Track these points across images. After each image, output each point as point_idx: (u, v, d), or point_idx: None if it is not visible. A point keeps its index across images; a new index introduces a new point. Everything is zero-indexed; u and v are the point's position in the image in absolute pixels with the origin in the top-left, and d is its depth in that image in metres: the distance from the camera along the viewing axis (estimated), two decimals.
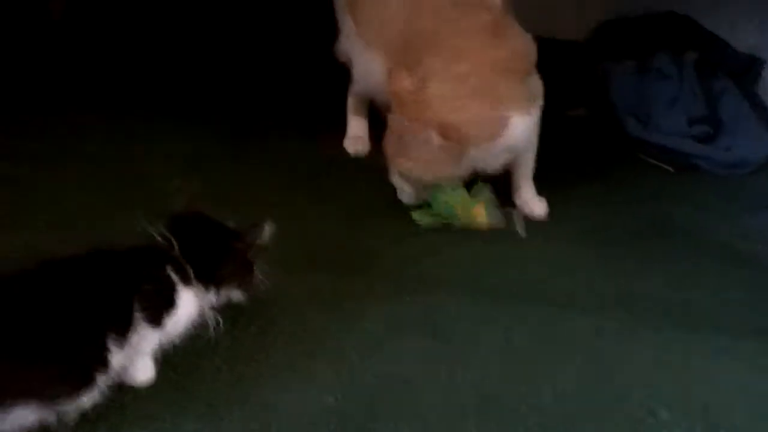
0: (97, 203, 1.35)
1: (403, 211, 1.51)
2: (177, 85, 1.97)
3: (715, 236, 1.66)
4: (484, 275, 1.34)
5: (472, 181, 1.48)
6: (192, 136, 1.71)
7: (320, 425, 0.94)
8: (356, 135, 1.78)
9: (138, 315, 0.85)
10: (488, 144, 1.39)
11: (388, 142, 1.44)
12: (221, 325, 0.94)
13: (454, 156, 1.37)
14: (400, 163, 1.42)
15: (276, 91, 2.06)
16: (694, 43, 2.43)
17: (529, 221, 1.56)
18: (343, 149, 1.78)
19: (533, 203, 1.60)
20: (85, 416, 0.83)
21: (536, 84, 1.47)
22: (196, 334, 0.93)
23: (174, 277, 0.90)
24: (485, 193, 1.46)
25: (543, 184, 1.62)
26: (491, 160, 1.44)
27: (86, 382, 0.80)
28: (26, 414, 0.77)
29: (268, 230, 0.98)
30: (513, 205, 1.58)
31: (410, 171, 1.42)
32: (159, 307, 0.88)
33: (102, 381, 0.82)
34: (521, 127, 1.42)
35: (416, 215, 1.46)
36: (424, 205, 1.47)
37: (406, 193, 1.49)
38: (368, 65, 1.61)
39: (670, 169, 2.03)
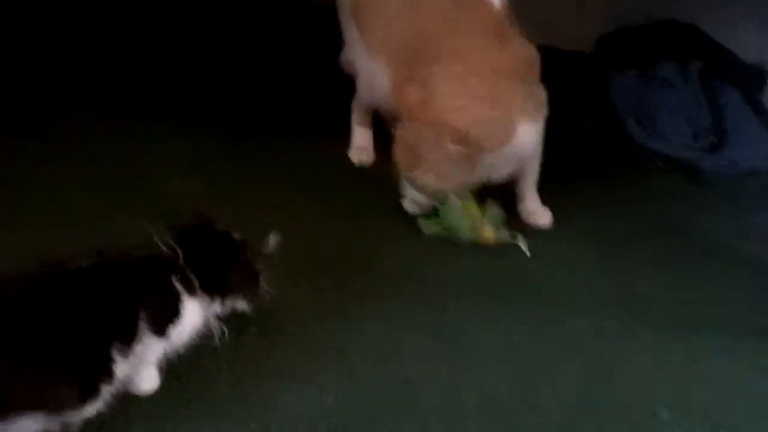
0: (97, 203, 1.36)
1: (403, 212, 1.52)
2: (177, 86, 1.98)
3: (715, 236, 1.68)
4: (485, 276, 1.36)
5: (481, 198, 1.48)
6: (192, 137, 1.71)
7: (320, 425, 0.95)
8: (361, 145, 1.78)
9: (143, 325, 0.86)
10: (497, 150, 1.40)
11: (399, 154, 1.44)
12: (226, 335, 0.95)
13: (470, 163, 1.38)
14: (415, 174, 1.42)
15: (276, 92, 2.06)
16: (699, 51, 2.44)
17: (536, 232, 1.57)
18: (344, 151, 1.78)
19: (538, 213, 1.61)
20: (89, 423, 0.84)
21: (541, 92, 1.48)
22: (202, 345, 0.94)
23: (179, 287, 0.90)
24: (494, 210, 1.46)
25: (545, 186, 1.63)
26: (499, 168, 1.45)
27: (91, 392, 0.81)
28: (31, 424, 0.78)
29: (273, 240, 0.99)
30: (516, 213, 1.59)
31: (426, 181, 1.42)
32: (164, 317, 0.88)
33: (107, 391, 0.83)
34: (528, 134, 1.44)
35: (423, 224, 1.46)
36: (431, 215, 1.47)
37: (412, 203, 1.50)
38: (373, 75, 1.63)
39: (677, 178, 2.05)
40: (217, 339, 0.94)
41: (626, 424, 1.05)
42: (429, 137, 1.37)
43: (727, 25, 2.51)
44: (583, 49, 2.54)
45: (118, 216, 1.32)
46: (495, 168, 1.44)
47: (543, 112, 1.48)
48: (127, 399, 0.89)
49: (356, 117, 1.79)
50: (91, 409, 0.82)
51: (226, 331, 0.95)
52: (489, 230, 1.42)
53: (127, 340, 0.84)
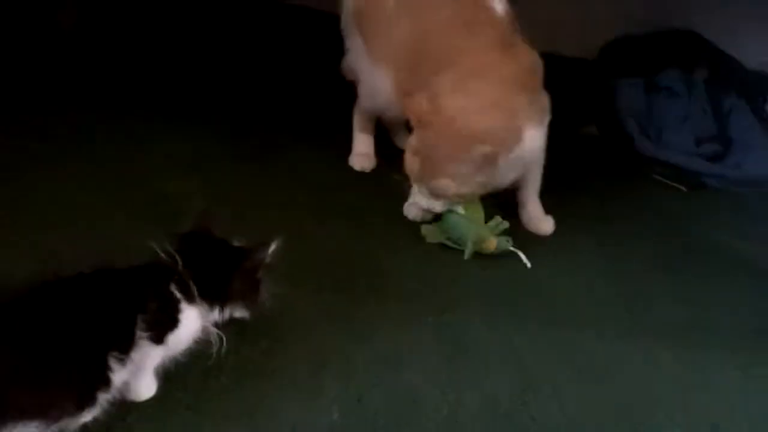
0: (97, 203, 1.37)
1: (404, 214, 1.53)
2: (178, 86, 1.99)
3: (726, 250, 1.70)
4: (486, 279, 1.37)
5: (484, 206, 1.50)
6: (192, 137, 1.73)
7: None
8: (362, 152, 1.78)
9: (140, 332, 0.86)
10: (506, 155, 1.41)
11: (416, 164, 1.44)
12: (225, 343, 0.95)
13: (490, 166, 1.39)
14: (437, 183, 1.42)
15: (276, 95, 2.08)
16: (703, 59, 2.44)
17: (538, 238, 1.58)
18: (344, 153, 1.79)
19: (540, 220, 1.62)
20: (86, 430, 0.84)
21: (544, 99, 1.51)
22: (202, 351, 0.95)
23: (177, 294, 0.90)
24: (498, 221, 1.47)
25: (552, 199, 1.65)
26: (505, 175, 1.46)
27: (88, 400, 0.82)
28: None
29: (273, 248, 0.98)
30: (518, 220, 1.60)
31: (448, 188, 1.42)
32: (162, 325, 0.88)
33: (104, 399, 0.83)
34: (534, 139, 1.46)
35: (425, 232, 1.48)
36: (433, 222, 1.48)
37: (413, 209, 1.51)
38: (376, 82, 1.64)
39: (682, 188, 2.05)
40: (215, 347, 0.94)
41: (626, 426, 1.06)
42: (449, 144, 1.38)
43: (729, 32, 2.51)
44: (586, 57, 2.54)
45: (118, 216, 1.34)
46: (501, 174, 1.45)
47: (546, 118, 1.50)
48: (125, 407, 0.90)
49: (357, 123, 1.80)
50: (89, 417, 0.83)
51: (224, 338, 0.95)
52: (492, 240, 1.42)
53: (125, 347, 0.84)
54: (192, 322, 0.92)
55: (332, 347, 1.11)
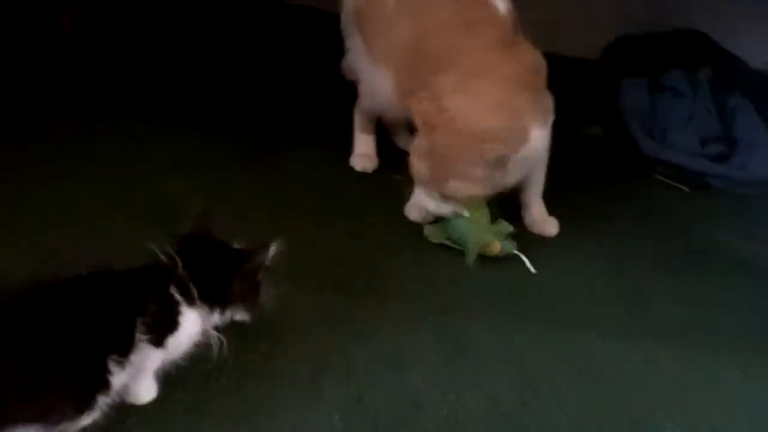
0: (97, 203, 1.38)
1: (404, 215, 1.53)
2: (178, 86, 1.99)
3: (727, 250, 1.70)
4: (487, 279, 1.37)
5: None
6: (192, 137, 1.73)
7: None
8: (363, 152, 1.78)
9: (140, 335, 0.86)
10: (513, 156, 1.40)
11: (423, 168, 1.42)
12: (225, 345, 0.95)
13: (502, 165, 1.38)
14: (448, 185, 1.40)
15: (277, 94, 2.08)
16: (707, 59, 2.44)
17: (541, 240, 1.58)
18: (345, 153, 1.79)
19: (544, 222, 1.62)
20: None
21: (548, 98, 1.50)
22: (202, 354, 0.94)
23: (177, 296, 0.90)
24: (503, 224, 1.47)
25: (556, 201, 1.65)
26: (511, 175, 1.45)
27: (87, 403, 0.82)
28: None
29: (273, 251, 0.98)
30: (521, 222, 1.60)
31: (459, 190, 1.40)
32: (162, 327, 0.88)
33: (103, 402, 0.83)
34: (539, 139, 1.45)
35: (428, 232, 1.47)
36: (437, 223, 1.48)
37: (415, 210, 1.51)
38: (376, 82, 1.64)
39: (685, 188, 2.05)
40: (215, 350, 0.94)
41: (626, 426, 1.06)
42: (460, 145, 1.36)
43: (732, 32, 2.51)
44: (589, 57, 2.54)
45: (118, 216, 1.34)
46: (508, 175, 1.44)
47: (550, 118, 1.50)
48: (124, 410, 0.90)
49: (358, 124, 1.79)
50: (88, 420, 0.82)
51: (225, 341, 0.95)
52: (495, 244, 1.42)
53: (125, 350, 0.85)
54: (192, 324, 0.91)
55: (332, 348, 1.11)
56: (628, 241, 1.67)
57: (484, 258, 1.41)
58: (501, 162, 1.37)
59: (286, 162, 1.71)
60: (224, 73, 2.15)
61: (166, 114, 1.82)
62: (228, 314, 0.96)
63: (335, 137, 1.81)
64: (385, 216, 1.52)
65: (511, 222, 1.48)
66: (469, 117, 1.37)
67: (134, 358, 0.85)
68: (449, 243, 1.45)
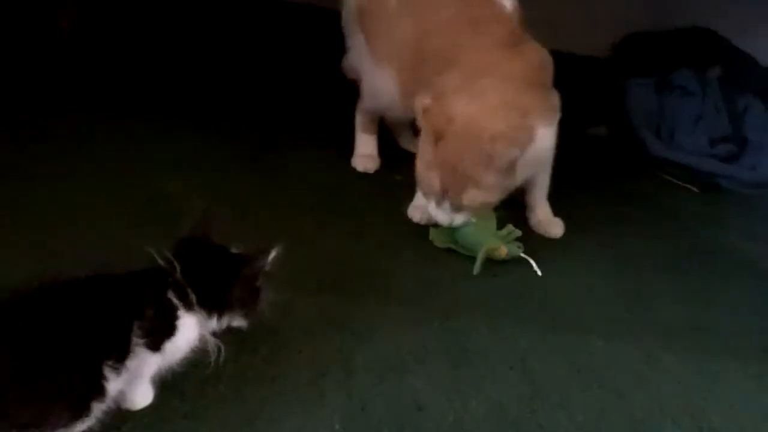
0: (97, 203, 1.38)
1: (406, 216, 1.54)
2: (178, 86, 2.01)
3: (733, 253, 1.71)
4: (491, 282, 1.37)
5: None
6: (192, 137, 1.75)
7: None
8: (365, 153, 1.78)
9: (137, 340, 0.85)
10: (522, 156, 1.38)
11: (435, 180, 1.38)
12: (223, 351, 0.93)
13: (513, 169, 1.37)
14: (464, 195, 1.37)
15: (277, 93, 2.08)
16: (717, 57, 2.42)
17: (546, 241, 1.58)
18: (346, 153, 1.80)
19: (550, 223, 1.61)
20: None
21: (554, 97, 1.50)
22: (200, 360, 0.94)
23: (175, 301, 0.89)
24: (509, 228, 1.46)
25: (561, 202, 1.64)
26: (517, 176, 1.43)
27: (82, 410, 0.81)
28: None
29: (273, 255, 0.96)
30: (527, 223, 1.59)
31: (475, 199, 1.38)
32: (159, 331, 0.87)
33: (98, 408, 0.82)
34: (545, 138, 1.44)
35: (434, 236, 1.46)
36: (442, 228, 1.46)
37: (417, 211, 1.50)
38: (379, 81, 1.64)
39: (696, 189, 2.04)
40: (213, 356, 0.94)
41: (627, 427, 1.06)
42: (473, 153, 1.34)
43: (742, 29, 2.49)
44: (596, 54, 2.53)
45: (118, 216, 1.35)
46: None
47: (557, 116, 1.49)
48: (120, 416, 0.89)
49: (360, 124, 1.79)
50: (83, 427, 0.81)
51: (222, 348, 0.94)
52: (502, 248, 1.41)
53: (121, 355, 0.84)
54: (190, 330, 0.91)
55: (332, 352, 1.11)
56: (633, 243, 1.67)
57: (486, 260, 1.41)
58: (513, 166, 1.36)
59: (286, 162, 1.72)
60: (224, 73, 2.16)
61: (166, 114, 1.83)
62: (226, 320, 0.95)
63: (335, 137, 1.81)
64: (385, 216, 1.52)
65: (515, 223, 1.48)
66: (477, 120, 1.35)
67: (130, 363, 0.85)
68: (456, 248, 1.44)
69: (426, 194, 1.43)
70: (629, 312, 1.37)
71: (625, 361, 1.21)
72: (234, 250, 0.96)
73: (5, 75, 1.84)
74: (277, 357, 1.07)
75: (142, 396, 0.93)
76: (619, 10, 2.58)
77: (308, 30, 2.29)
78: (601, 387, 1.13)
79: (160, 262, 0.90)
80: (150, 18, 2.37)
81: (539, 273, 1.43)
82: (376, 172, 1.75)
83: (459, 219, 1.41)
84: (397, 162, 1.52)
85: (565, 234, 1.60)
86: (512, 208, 1.52)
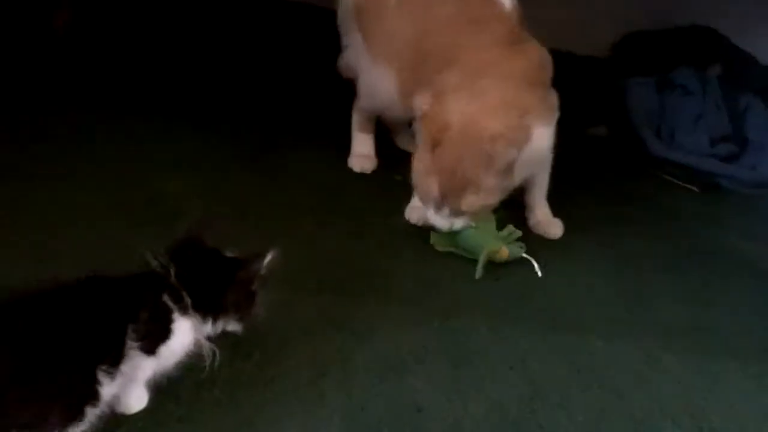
0: (97, 203, 1.38)
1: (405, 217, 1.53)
2: (178, 86, 2.01)
3: (733, 253, 1.70)
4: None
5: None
6: (192, 137, 1.75)
7: None
8: (362, 153, 1.77)
9: (131, 343, 0.84)
10: (519, 156, 1.38)
11: (433, 186, 1.37)
12: (218, 356, 0.93)
13: (511, 170, 1.37)
14: (463, 200, 1.36)
15: (277, 92, 2.09)
16: (718, 56, 2.42)
17: (546, 241, 1.58)
18: (345, 153, 1.80)
19: (549, 224, 1.61)
20: None
21: (553, 96, 1.50)
22: (195, 364, 0.93)
23: (170, 304, 0.89)
24: (510, 229, 1.46)
25: (561, 202, 1.64)
26: (515, 176, 1.43)
27: (75, 415, 0.80)
28: None
29: (270, 259, 0.94)
30: (526, 223, 1.58)
31: (475, 203, 1.37)
32: (154, 334, 0.87)
33: (92, 414, 0.81)
34: (542, 138, 1.44)
35: (434, 239, 1.46)
36: (442, 233, 1.46)
37: (416, 212, 1.49)
38: (376, 80, 1.63)
39: (696, 189, 2.04)
40: (208, 361, 0.93)
41: (627, 427, 1.06)
42: (469, 152, 1.33)
43: (742, 28, 2.49)
44: (596, 54, 2.53)
45: (118, 216, 1.35)
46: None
47: (555, 116, 1.49)
48: (114, 420, 0.89)
49: (357, 123, 1.78)
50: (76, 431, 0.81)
51: (217, 352, 0.94)
52: (504, 249, 1.41)
53: (115, 359, 0.83)
54: (184, 333, 0.90)
55: (333, 353, 1.11)
56: (633, 243, 1.67)
57: (488, 262, 1.40)
58: (511, 167, 1.36)
59: (286, 162, 1.72)
60: (224, 73, 2.16)
61: (166, 114, 1.83)
62: (221, 324, 0.94)
63: (335, 137, 1.81)
64: (385, 216, 1.52)
65: (515, 223, 1.48)
66: (475, 122, 1.35)
67: (125, 367, 0.84)
68: (457, 251, 1.44)
69: (424, 200, 1.42)
70: (629, 312, 1.37)
71: (625, 361, 1.21)
72: (229, 254, 0.95)
73: (5, 75, 1.84)
74: (277, 357, 1.07)
75: (136, 400, 0.92)
76: (618, 9, 2.58)
77: (308, 30, 2.29)
78: (601, 387, 1.13)
79: (155, 265, 0.90)
80: (150, 18, 2.37)
81: (540, 274, 1.43)
82: (376, 171, 1.75)
83: (458, 224, 1.41)
84: (395, 162, 1.52)
85: (565, 234, 1.60)
86: (512, 209, 1.52)
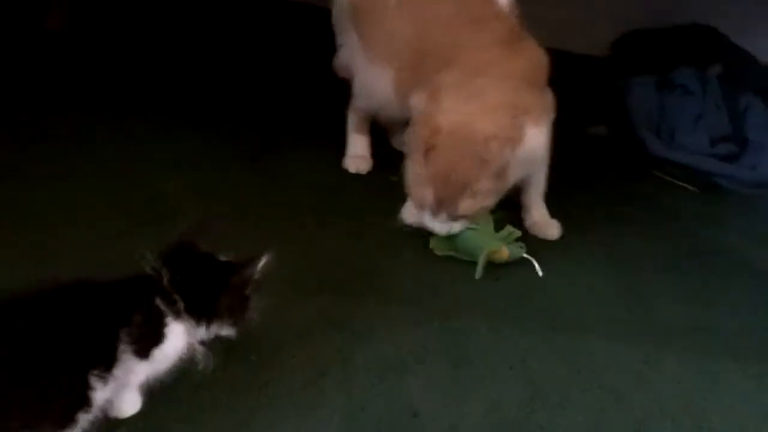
0: (97, 203, 1.38)
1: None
2: (177, 86, 2.01)
3: (734, 253, 1.70)
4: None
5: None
6: (192, 137, 1.75)
7: None
8: (357, 154, 1.76)
9: (124, 347, 0.84)
10: (512, 156, 1.38)
11: (428, 194, 1.37)
12: (211, 361, 0.92)
13: (506, 171, 1.37)
14: (460, 205, 1.36)
15: (277, 92, 2.09)
16: (718, 55, 2.41)
17: (545, 242, 1.57)
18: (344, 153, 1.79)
19: (546, 225, 1.59)
20: None
21: (548, 96, 1.49)
22: (188, 369, 0.92)
23: (163, 307, 0.88)
24: (509, 229, 1.45)
25: (560, 202, 1.63)
26: (509, 176, 1.42)
27: (67, 422, 0.79)
28: None
29: (264, 263, 0.93)
30: (522, 224, 1.57)
31: (472, 207, 1.37)
32: (147, 338, 0.86)
33: (84, 419, 0.81)
34: (535, 138, 1.43)
35: (433, 243, 1.45)
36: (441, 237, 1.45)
37: (412, 213, 1.47)
38: (372, 80, 1.62)
39: (696, 189, 2.04)
40: (201, 366, 0.92)
41: (627, 427, 1.06)
42: (465, 161, 1.33)
43: (743, 27, 2.48)
44: (595, 53, 2.52)
45: (118, 216, 1.35)
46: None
47: (550, 116, 1.48)
48: (109, 423, 0.88)
49: (352, 123, 1.77)
50: None
51: (211, 357, 0.93)
52: (504, 250, 1.40)
53: (107, 364, 0.82)
54: (178, 337, 0.89)
55: (333, 353, 1.10)
56: (633, 243, 1.67)
57: (499, 273, 1.40)
58: (505, 167, 1.36)
59: (286, 162, 1.72)
60: (224, 73, 2.16)
61: (166, 114, 1.83)
62: (214, 329, 0.93)
63: (335, 137, 1.81)
64: (384, 216, 1.52)
65: (514, 223, 1.48)
66: (468, 125, 1.34)
67: (118, 372, 0.84)
68: (457, 255, 1.43)
69: (420, 207, 1.41)
70: (629, 312, 1.37)
71: (625, 361, 1.21)
72: (223, 258, 0.95)
73: (5, 75, 1.84)
74: (276, 358, 1.07)
75: (130, 404, 0.92)
76: (618, 7, 2.57)
77: (309, 30, 2.28)
78: (601, 387, 1.13)
79: (148, 269, 0.89)
80: (150, 18, 2.37)
81: (540, 273, 1.43)
82: (376, 172, 1.75)
83: (456, 227, 1.40)
84: (392, 162, 1.51)
85: (565, 234, 1.59)
86: (510, 208, 1.52)
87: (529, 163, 1.47)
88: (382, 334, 1.17)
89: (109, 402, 0.86)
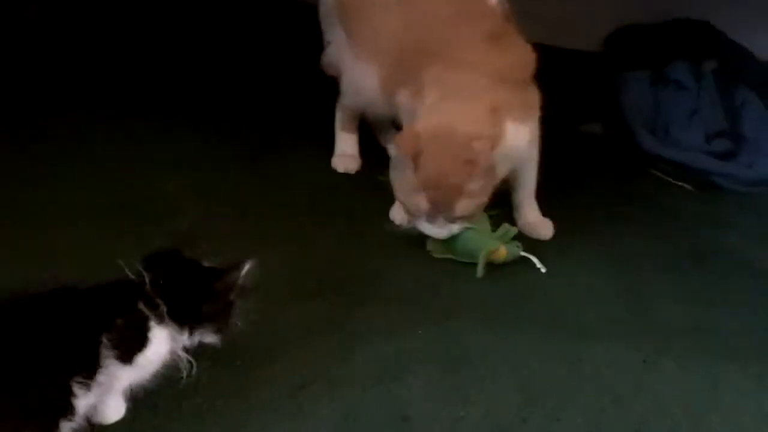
0: (97, 203, 1.38)
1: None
2: (177, 86, 2.01)
3: (733, 253, 1.69)
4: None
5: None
6: (192, 137, 1.75)
7: None
8: (345, 153, 1.74)
9: (106, 352, 0.83)
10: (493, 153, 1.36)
11: (422, 201, 1.35)
12: (195, 367, 0.91)
13: (493, 171, 1.36)
14: (456, 208, 1.35)
15: (276, 93, 2.08)
16: (713, 50, 2.39)
17: (539, 242, 1.56)
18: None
19: (538, 225, 1.58)
20: None
21: (533, 93, 1.48)
22: (172, 375, 0.91)
23: (147, 312, 0.87)
24: (506, 228, 1.45)
25: (554, 201, 1.63)
26: (498, 172, 1.41)
27: (49, 430, 0.79)
28: None
29: (249, 269, 0.92)
30: (514, 224, 1.56)
31: (467, 208, 1.36)
32: (130, 343, 0.86)
33: (67, 427, 0.80)
34: (517, 135, 1.42)
35: (430, 245, 1.44)
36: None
37: (402, 214, 1.47)
38: (360, 77, 1.61)
39: (690, 187, 2.03)
40: (184, 372, 0.91)
41: (626, 428, 1.06)
42: (455, 157, 1.32)
43: (738, 22, 2.46)
44: (589, 49, 2.51)
45: (118, 216, 1.35)
46: None
47: (534, 113, 1.47)
48: (94, 430, 0.88)
49: (340, 122, 1.75)
50: None
51: (194, 363, 0.92)
52: (502, 249, 1.40)
53: (90, 371, 0.81)
54: (161, 342, 0.89)
55: (332, 353, 1.10)
56: (633, 243, 1.66)
57: (496, 274, 1.39)
58: (492, 164, 1.35)
59: (286, 162, 1.72)
60: (224, 72, 2.16)
61: (166, 114, 1.83)
62: (197, 336, 0.92)
63: (334, 137, 1.81)
64: (384, 216, 1.52)
65: (511, 222, 1.47)
66: (448, 128, 1.34)
67: (101, 377, 0.83)
68: (455, 257, 1.42)
69: (415, 215, 1.39)
70: (629, 312, 1.37)
71: (625, 362, 1.21)
72: (206, 264, 0.94)
73: (5, 75, 1.84)
74: (258, 367, 1.05)
75: (114, 410, 0.91)
76: (611, 2, 2.56)
77: (309, 30, 2.28)
78: (600, 388, 1.13)
79: (131, 276, 0.88)
80: (149, 18, 2.37)
81: (543, 269, 1.42)
82: (376, 172, 1.74)
83: (456, 228, 1.39)
84: (380, 161, 1.51)
85: (565, 234, 1.59)
86: (504, 207, 1.52)
87: (514, 159, 1.46)
88: (382, 334, 1.16)
89: (93, 408, 0.86)
